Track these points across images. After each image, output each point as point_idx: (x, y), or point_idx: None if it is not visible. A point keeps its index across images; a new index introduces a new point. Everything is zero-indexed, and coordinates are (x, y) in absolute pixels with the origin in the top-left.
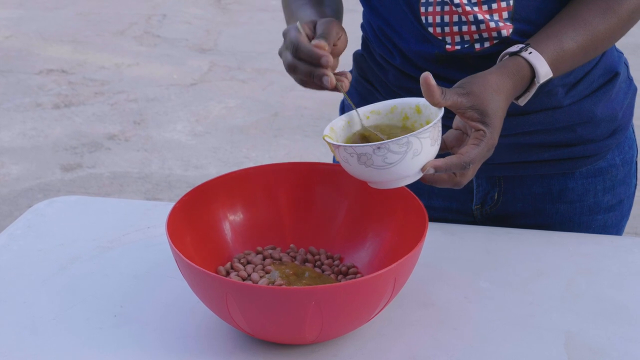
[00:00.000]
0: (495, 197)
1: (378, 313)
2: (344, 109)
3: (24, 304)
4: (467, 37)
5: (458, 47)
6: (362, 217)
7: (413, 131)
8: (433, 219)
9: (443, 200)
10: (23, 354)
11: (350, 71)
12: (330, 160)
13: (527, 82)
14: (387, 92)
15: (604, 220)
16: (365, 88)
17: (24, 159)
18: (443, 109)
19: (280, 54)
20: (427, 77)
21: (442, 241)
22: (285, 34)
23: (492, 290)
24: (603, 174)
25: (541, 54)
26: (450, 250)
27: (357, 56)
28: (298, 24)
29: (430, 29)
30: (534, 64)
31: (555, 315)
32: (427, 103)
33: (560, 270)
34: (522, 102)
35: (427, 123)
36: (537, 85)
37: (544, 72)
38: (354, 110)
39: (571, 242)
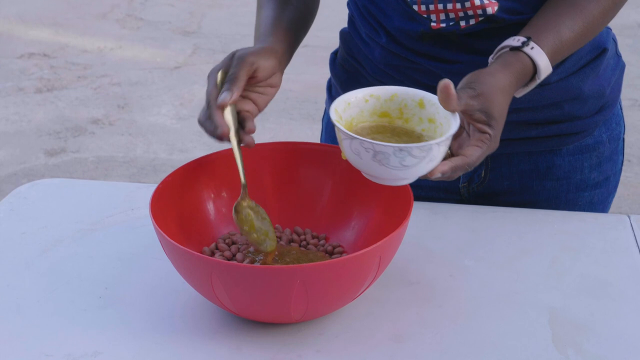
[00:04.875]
0: (482, 175)
1: (364, 291)
2: (330, 89)
3: (7, 287)
4: (452, 15)
5: (443, 25)
6: (347, 196)
7: (406, 124)
8: (420, 197)
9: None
10: (8, 337)
11: (337, 50)
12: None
13: (528, 78)
14: (373, 69)
15: (591, 197)
16: (352, 66)
17: (7, 144)
18: (458, 115)
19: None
20: (447, 85)
21: (427, 220)
22: (208, 78)
23: (477, 267)
24: (590, 151)
25: (542, 48)
26: (435, 229)
27: (343, 34)
28: (219, 75)
29: (415, 7)
30: (536, 61)
31: (540, 292)
32: (433, 100)
33: (544, 247)
34: (518, 95)
35: (430, 121)
36: (538, 81)
37: (545, 67)
38: (355, 91)
39: (555, 220)
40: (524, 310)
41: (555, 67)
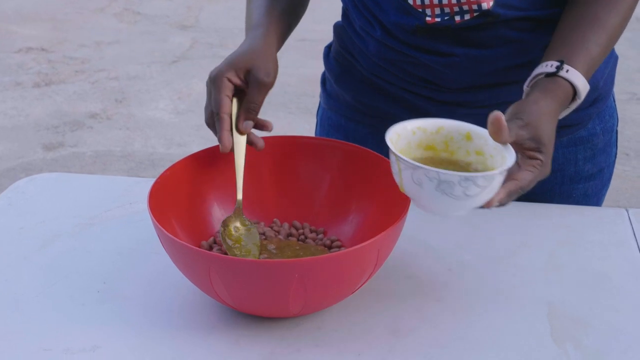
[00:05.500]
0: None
1: (362, 285)
2: (325, 83)
3: (6, 282)
4: (447, 10)
5: (438, 20)
6: (345, 190)
7: (452, 156)
8: None
9: None
10: (6, 331)
11: (331, 43)
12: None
13: (570, 100)
14: (368, 63)
15: (585, 189)
16: (346, 60)
17: (5, 138)
18: (510, 145)
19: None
20: (499, 118)
21: (425, 214)
22: (214, 81)
23: (475, 262)
24: (584, 143)
25: (577, 69)
26: (433, 223)
27: (337, 27)
28: (226, 82)
29: (410, 1)
30: (575, 83)
31: (538, 286)
32: (479, 131)
33: (542, 241)
34: (560, 116)
35: (477, 153)
36: (579, 101)
37: (583, 87)
38: (403, 123)
39: (554, 214)
40: (522, 304)
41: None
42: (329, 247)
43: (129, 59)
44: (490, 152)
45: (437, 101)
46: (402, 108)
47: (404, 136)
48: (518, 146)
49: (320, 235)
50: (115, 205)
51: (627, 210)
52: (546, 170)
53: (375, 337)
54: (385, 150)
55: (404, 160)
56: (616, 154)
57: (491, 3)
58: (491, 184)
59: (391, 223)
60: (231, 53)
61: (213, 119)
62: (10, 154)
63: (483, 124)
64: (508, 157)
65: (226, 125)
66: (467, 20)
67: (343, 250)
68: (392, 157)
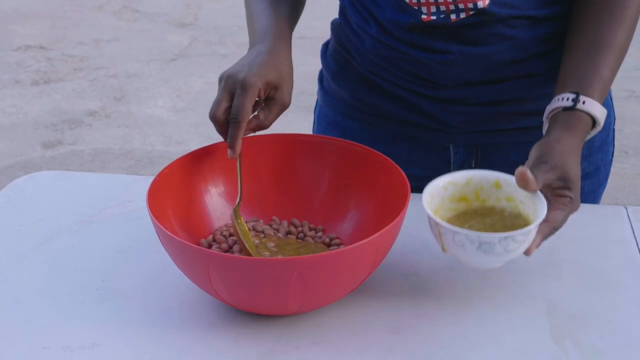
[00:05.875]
0: (472, 166)
1: (361, 283)
2: (322, 80)
3: (5, 280)
4: (442, 8)
5: (433, 18)
6: (344, 188)
7: (485, 203)
8: (412, 187)
9: (421, 169)
10: (5, 329)
11: (329, 41)
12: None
13: (589, 129)
14: (364, 60)
15: (582, 187)
16: (342, 57)
17: (4, 136)
18: (540, 193)
19: (221, 80)
20: (524, 172)
21: (424, 212)
22: (244, 86)
23: None
24: None
25: (593, 98)
26: None
27: (334, 25)
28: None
29: None
30: (593, 113)
31: (537, 284)
32: (509, 179)
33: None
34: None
35: (508, 200)
36: (599, 128)
37: (601, 115)
38: (434, 181)
39: None
40: (521, 302)
41: (545, 57)
42: (328, 245)
43: (128, 56)
44: (521, 199)
45: (433, 98)
46: (398, 105)
47: (437, 194)
48: (546, 186)
49: (320, 233)
50: (114, 203)
51: (626, 208)
52: (576, 205)
53: (374, 335)
54: (382, 147)
55: (444, 226)
56: (613, 152)
57: (487, 2)
58: (529, 236)
59: (390, 220)
60: (255, 56)
61: (222, 116)
62: (9, 152)
63: (480, 122)
64: (539, 204)
65: (241, 133)
66: (463, 18)
67: (342, 248)
68: (430, 221)
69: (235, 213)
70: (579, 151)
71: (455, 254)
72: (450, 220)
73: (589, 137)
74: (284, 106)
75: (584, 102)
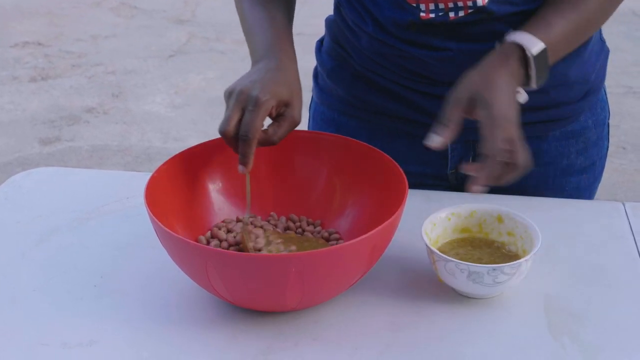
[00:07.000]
0: (470, 161)
1: (359, 279)
2: (317, 77)
3: (3, 277)
4: (441, 6)
5: (432, 15)
6: (342, 184)
7: (487, 237)
8: (409, 184)
9: (419, 165)
10: (4, 326)
11: (323, 37)
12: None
13: (519, 59)
14: (360, 57)
15: (577, 182)
16: (338, 54)
17: (1, 132)
18: (537, 230)
19: (230, 94)
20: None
21: (422, 208)
22: (257, 103)
23: None
24: (576, 136)
25: (523, 31)
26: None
27: (329, 21)
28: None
29: None
30: (519, 41)
31: (535, 279)
32: (510, 213)
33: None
34: (534, 84)
35: (509, 234)
36: (532, 56)
37: (530, 43)
38: (439, 212)
39: (550, 207)
40: (519, 298)
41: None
42: (327, 240)
43: (126, 53)
44: (521, 234)
45: (430, 95)
46: (395, 102)
47: (440, 223)
48: (463, 112)
49: (318, 228)
50: (112, 199)
51: (623, 204)
52: (498, 123)
53: (372, 331)
54: (379, 144)
55: (436, 253)
56: (608, 147)
57: (486, 0)
58: (519, 270)
59: (388, 217)
60: (266, 72)
61: (232, 131)
62: (6, 149)
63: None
64: (535, 241)
65: (253, 149)
66: (462, 17)
67: (340, 244)
68: (427, 249)
69: (244, 227)
70: (501, 76)
71: (449, 282)
72: (443, 248)
73: (532, 72)
74: (294, 123)
75: (514, 35)
